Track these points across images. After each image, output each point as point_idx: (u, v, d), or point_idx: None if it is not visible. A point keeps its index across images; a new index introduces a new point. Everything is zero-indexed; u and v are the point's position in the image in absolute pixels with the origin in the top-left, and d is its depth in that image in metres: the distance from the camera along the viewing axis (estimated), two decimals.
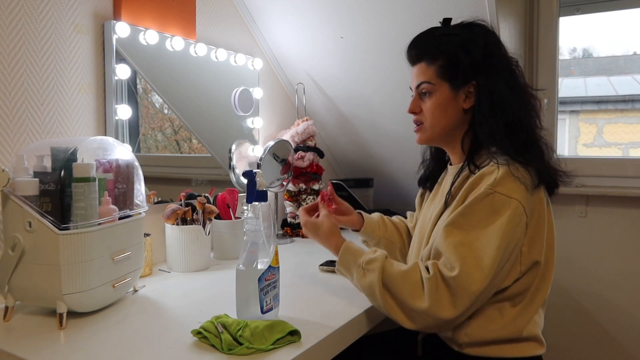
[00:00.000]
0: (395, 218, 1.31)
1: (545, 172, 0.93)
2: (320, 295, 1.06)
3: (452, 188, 0.98)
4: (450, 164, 1.09)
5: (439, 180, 1.13)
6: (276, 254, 0.89)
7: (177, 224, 1.25)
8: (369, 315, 0.98)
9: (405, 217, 1.32)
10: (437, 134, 1.02)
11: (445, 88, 0.99)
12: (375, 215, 1.28)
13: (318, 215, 1.12)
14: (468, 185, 0.92)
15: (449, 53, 0.98)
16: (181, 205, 1.28)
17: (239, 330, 0.77)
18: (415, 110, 1.04)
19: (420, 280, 0.87)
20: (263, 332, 0.78)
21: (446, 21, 1.04)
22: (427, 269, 0.88)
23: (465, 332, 0.91)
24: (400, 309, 0.88)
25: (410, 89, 1.07)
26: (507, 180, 0.87)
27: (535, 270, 0.91)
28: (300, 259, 1.40)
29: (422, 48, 1.02)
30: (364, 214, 1.25)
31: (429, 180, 1.17)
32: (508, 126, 0.94)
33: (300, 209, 1.18)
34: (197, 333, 0.79)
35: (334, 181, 1.92)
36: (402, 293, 0.87)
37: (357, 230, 1.24)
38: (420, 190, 1.23)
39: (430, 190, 1.16)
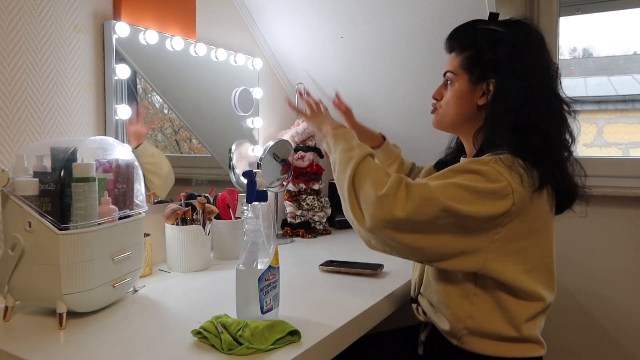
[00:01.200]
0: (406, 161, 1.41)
1: (555, 181, 0.90)
2: (320, 295, 1.06)
3: None
4: (465, 156, 1.10)
5: None
6: (276, 254, 0.89)
7: (177, 224, 1.25)
8: (368, 315, 0.98)
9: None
10: (445, 122, 1.05)
11: (464, 79, 1.00)
12: (394, 146, 1.38)
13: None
14: None
15: (477, 46, 0.98)
16: (181, 205, 1.28)
17: (239, 330, 0.77)
18: (437, 97, 1.07)
19: (388, 175, 0.89)
20: (263, 332, 0.78)
21: (492, 16, 1.02)
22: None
23: (464, 323, 0.91)
24: (356, 197, 0.90)
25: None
26: (501, 165, 0.85)
27: (543, 274, 0.92)
28: (300, 259, 1.40)
29: (456, 38, 1.03)
30: (388, 141, 1.36)
31: (444, 166, 1.16)
32: (519, 130, 0.90)
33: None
34: (197, 333, 0.79)
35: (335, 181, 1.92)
36: (368, 178, 0.89)
37: (374, 148, 1.32)
38: (429, 167, 1.27)
39: None
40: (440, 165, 1.20)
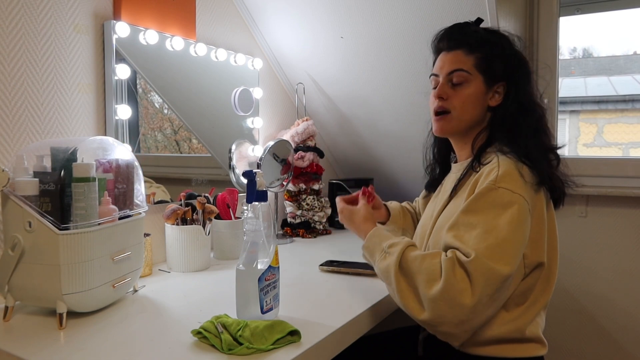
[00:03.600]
0: (411, 204, 1.35)
1: (553, 179, 0.93)
2: (320, 295, 1.06)
3: (458, 184, 0.98)
4: (455, 162, 1.09)
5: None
6: (276, 253, 0.89)
7: (177, 224, 1.25)
8: (368, 315, 0.98)
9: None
10: (462, 126, 1.01)
11: (480, 81, 0.98)
12: (396, 205, 1.31)
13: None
14: (472, 182, 0.92)
15: (489, 48, 0.98)
16: (181, 205, 1.28)
17: (239, 330, 0.77)
18: (443, 95, 1.00)
19: (439, 263, 0.83)
20: (263, 332, 0.78)
21: (479, 21, 1.05)
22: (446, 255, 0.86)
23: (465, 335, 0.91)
24: (414, 294, 0.85)
25: (435, 75, 1.03)
26: (510, 177, 0.87)
27: (539, 272, 0.91)
28: (300, 259, 1.40)
29: (462, 36, 1.01)
30: (390, 206, 1.29)
31: (434, 185, 1.16)
32: (531, 131, 0.95)
33: (339, 197, 1.18)
34: (197, 333, 0.79)
35: (334, 181, 1.92)
36: (418, 276, 0.84)
37: (382, 223, 1.26)
38: (423, 192, 1.24)
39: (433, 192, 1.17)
40: (431, 185, 1.18)
